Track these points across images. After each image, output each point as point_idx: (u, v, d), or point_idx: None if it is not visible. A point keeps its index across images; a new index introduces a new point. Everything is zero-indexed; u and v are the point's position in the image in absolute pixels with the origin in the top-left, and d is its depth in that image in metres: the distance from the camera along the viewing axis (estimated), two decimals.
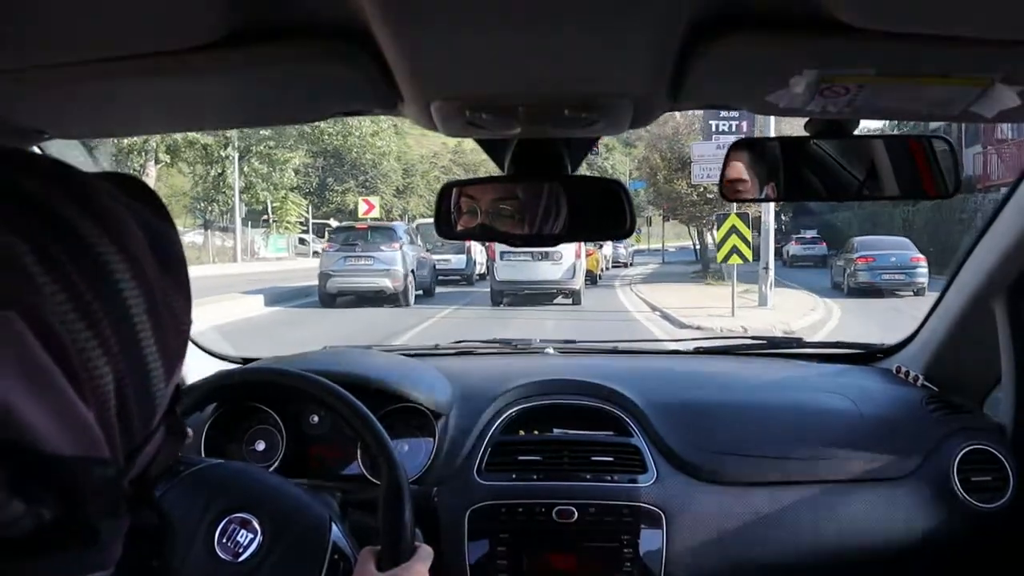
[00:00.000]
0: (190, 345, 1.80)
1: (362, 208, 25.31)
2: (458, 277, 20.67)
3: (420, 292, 16.48)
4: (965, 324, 1.65)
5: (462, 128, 1.01)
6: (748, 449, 1.51)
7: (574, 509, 1.41)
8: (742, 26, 0.78)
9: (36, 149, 1.25)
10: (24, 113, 1.05)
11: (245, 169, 27.89)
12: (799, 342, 2.13)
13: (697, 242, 37.85)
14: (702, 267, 25.61)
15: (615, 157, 63.28)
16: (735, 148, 1.23)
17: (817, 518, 1.44)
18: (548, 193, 1.16)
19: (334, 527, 1.08)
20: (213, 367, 1.85)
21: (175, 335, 0.46)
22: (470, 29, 0.75)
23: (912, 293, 16.48)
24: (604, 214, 1.16)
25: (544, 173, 1.16)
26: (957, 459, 1.49)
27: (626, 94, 0.91)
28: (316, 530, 1.07)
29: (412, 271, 15.57)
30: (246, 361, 1.98)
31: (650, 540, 1.40)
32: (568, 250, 13.98)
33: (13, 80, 0.88)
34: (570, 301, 15.16)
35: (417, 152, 44.85)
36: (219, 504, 1.06)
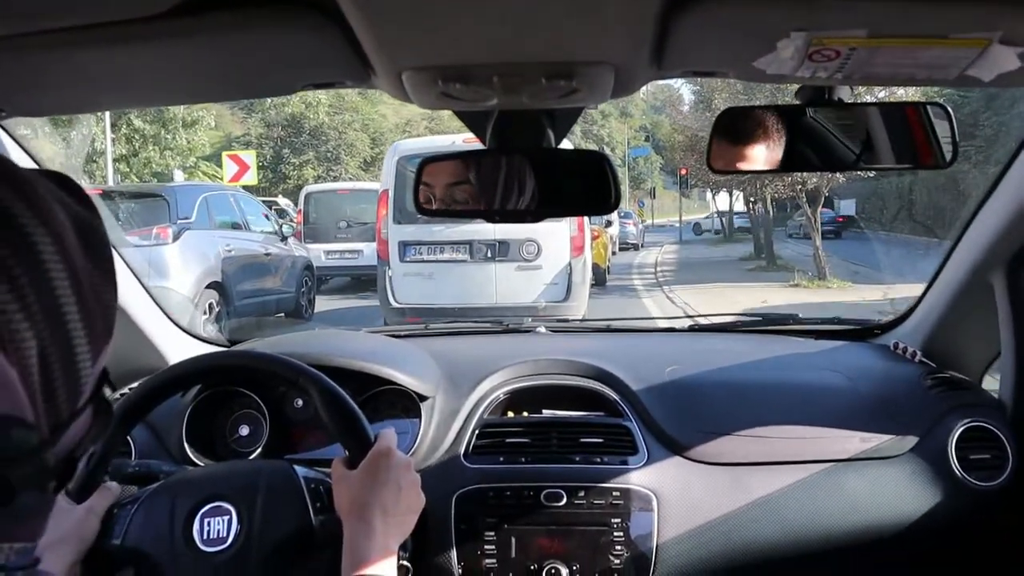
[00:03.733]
0: (176, 329, 1.79)
1: (229, 170, 14.84)
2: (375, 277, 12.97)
3: (280, 315, 9.81)
4: (963, 299, 1.61)
5: (437, 100, 0.97)
6: (742, 429, 1.48)
7: (563, 492, 1.38)
8: None
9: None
10: None
11: (124, 130, 21.67)
12: (795, 319, 2.09)
13: (719, 210, 32.08)
14: (759, 252, 19.82)
15: (611, 124, 62.97)
16: (724, 116, 1.19)
17: (812, 498, 1.42)
18: (530, 166, 1.12)
19: (296, 468, 1.12)
20: (198, 351, 1.82)
21: (100, 316, 0.48)
22: None
23: (834, 236, 24.54)
24: (588, 187, 1.12)
25: (525, 146, 1.12)
26: (955, 436, 1.46)
27: (606, 61, 0.87)
28: (283, 476, 1.10)
29: (220, 283, 8.23)
30: (233, 344, 1.95)
31: (641, 522, 1.37)
32: (555, 236, 7.20)
33: None
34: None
35: (393, 121, 41.09)
36: (184, 505, 1.07)
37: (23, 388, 0.41)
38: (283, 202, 21.21)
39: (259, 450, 1.53)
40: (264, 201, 12.60)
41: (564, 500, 1.38)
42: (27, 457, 0.42)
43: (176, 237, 7.86)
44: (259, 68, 0.96)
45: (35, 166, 1.37)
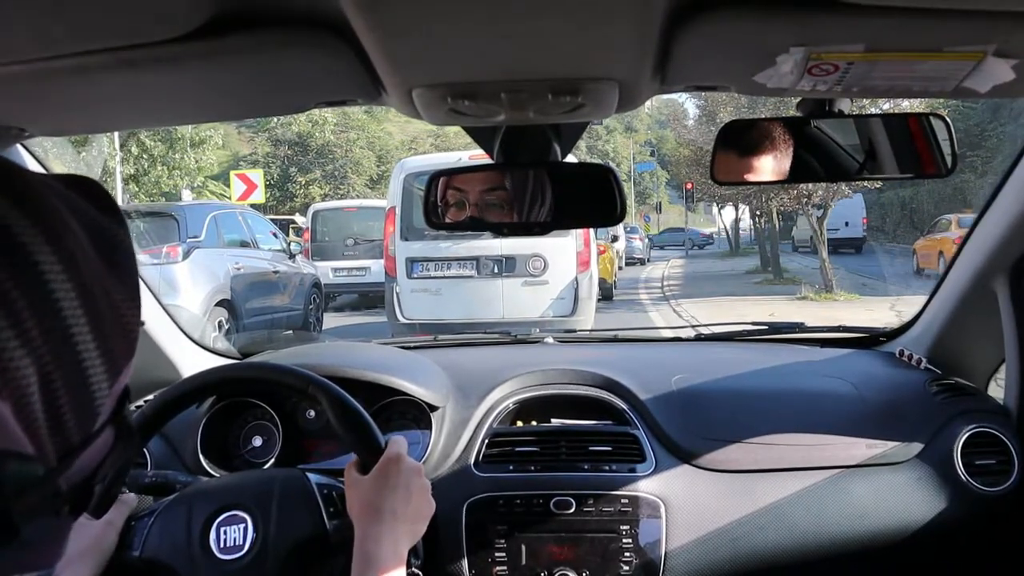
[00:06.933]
0: (189, 343, 1.82)
1: (236, 189, 14.69)
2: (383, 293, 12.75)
3: (288, 333, 9.89)
4: (967, 305, 1.62)
5: (446, 116, 1.00)
6: (749, 436, 1.49)
7: (572, 500, 1.39)
8: (726, 2, 0.76)
9: (19, 147, 1.24)
10: (2, 111, 1.04)
11: (134, 150, 21.44)
12: (801, 327, 2.11)
13: (725, 225, 32.05)
14: (765, 265, 19.78)
15: (616, 139, 63.16)
16: (728, 128, 1.20)
17: (819, 505, 1.43)
18: (537, 180, 1.14)
19: (309, 475, 1.13)
20: (211, 364, 1.85)
21: (120, 334, 0.45)
22: (445, 14, 0.73)
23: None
24: (594, 200, 1.14)
25: (532, 160, 1.14)
26: (961, 442, 1.47)
27: (610, 77, 0.89)
28: (296, 483, 1.12)
29: (229, 300, 8.24)
30: (245, 357, 1.97)
31: (649, 529, 1.39)
32: (561, 251, 7.15)
33: None
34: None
35: (398, 138, 41.51)
36: (201, 514, 1.09)
37: (17, 420, 0.39)
38: (300, 220, 20.69)
39: (272, 461, 1.55)
40: (281, 220, 12.20)
41: (573, 508, 1.39)
42: (32, 488, 0.39)
43: (186, 256, 7.85)
44: (274, 88, 0.98)
45: None
